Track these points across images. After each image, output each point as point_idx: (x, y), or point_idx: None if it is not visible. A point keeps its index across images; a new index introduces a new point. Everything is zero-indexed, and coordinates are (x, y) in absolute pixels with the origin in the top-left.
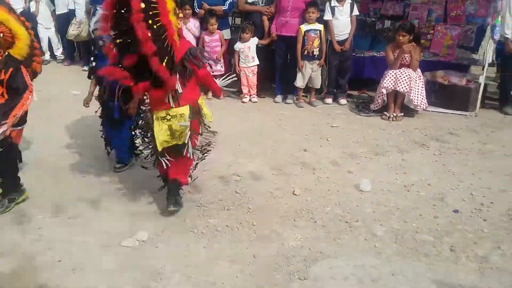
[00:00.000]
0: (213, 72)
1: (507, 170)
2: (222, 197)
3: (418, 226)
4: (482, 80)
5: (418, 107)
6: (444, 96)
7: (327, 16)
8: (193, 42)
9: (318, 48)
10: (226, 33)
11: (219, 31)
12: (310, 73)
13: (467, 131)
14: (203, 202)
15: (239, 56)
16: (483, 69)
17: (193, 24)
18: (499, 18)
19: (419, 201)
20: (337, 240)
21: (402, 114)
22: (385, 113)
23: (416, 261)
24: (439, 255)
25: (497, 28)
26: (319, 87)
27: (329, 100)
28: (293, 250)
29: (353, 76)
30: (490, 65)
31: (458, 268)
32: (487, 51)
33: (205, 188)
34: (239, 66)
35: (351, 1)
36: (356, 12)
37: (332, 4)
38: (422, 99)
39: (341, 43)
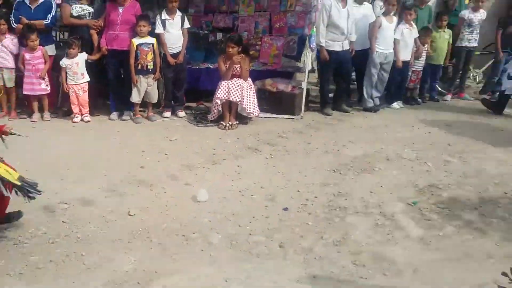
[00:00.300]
0: (36, 93)
1: (327, 165)
2: (46, 230)
3: (251, 229)
4: (304, 85)
5: (251, 115)
6: (273, 103)
7: (159, 29)
8: (11, 60)
9: (152, 62)
10: (50, 49)
11: (41, 47)
12: (146, 87)
13: (294, 133)
14: (22, 239)
15: (66, 73)
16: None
17: (10, 41)
18: (314, 29)
19: (253, 204)
20: (174, 256)
21: (237, 122)
22: (222, 122)
23: (249, 262)
24: (270, 253)
25: (313, 38)
26: (156, 101)
27: (167, 114)
28: (126, 275)
29: (190, 88)
30: (312, 71)
31: (287, 263)
32: (307, 59)
33: (26, 222)
34: (67, 84)
35: (181, 14)
36: (187, 25)
37: (163, 17)
38: (254, 106)
39: (175, 56)
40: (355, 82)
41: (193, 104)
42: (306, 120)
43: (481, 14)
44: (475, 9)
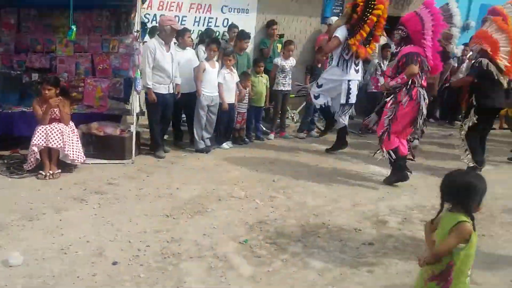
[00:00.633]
0: None
1: (160, 210)
2: None
3: None
4: (133, 128)
5: (75, 162)
6: (101, 147)
7: None
8: None
9: None
10: None
11: None
12: None
13: (125, 178)
14: None
15: None
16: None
17: None
18: (139, 71)
19: (77, 262)
20: None
21: (59, 170)
22: (41, 172)
23: None
24: None
25: (138, 81)
26: None
27: None
28: None
29: (1, 134)
30: (142, 114)
31: None
32: (134, 101)
33: None
34: None
35: None
36: None
37: None
38: (79, 152)
39: None
40: (186, 124)
41: (6, 153)
42: (137, 164)
43: (291, 62)
44: (286, 57)
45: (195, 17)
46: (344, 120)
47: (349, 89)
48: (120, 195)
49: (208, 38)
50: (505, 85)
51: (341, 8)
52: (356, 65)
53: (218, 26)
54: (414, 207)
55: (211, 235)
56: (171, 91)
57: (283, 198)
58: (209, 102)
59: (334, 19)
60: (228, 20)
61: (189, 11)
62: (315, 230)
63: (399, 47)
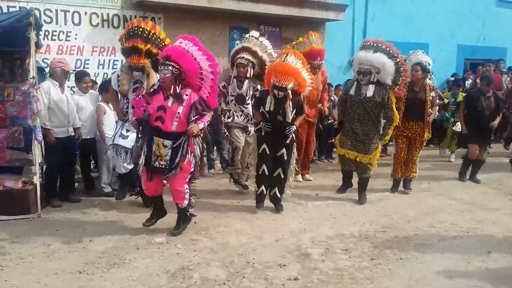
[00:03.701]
0: None
1: (72, 267)
2: None
3: None
4: (36, 180)
5: None
6: (2, 202)
7: None
8: None
9: None
10: None
11: None
12: None
13: (30, 235)
14: None
15: None
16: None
17: None
18: (38, 120)
19: None
20: None
21: None
22: None
23: None
24: None
25: (38, 129)
26: None
27: None
28: None
29: None
30: (45, 163)
31: None
32: (35, 151)
33: None
34: None
35: None
36: None
37: None
38: None
39: None
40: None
41: None
42: (44, 218)
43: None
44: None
45: (99, 60)
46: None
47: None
48: (25, 254)
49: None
50: None
51: None
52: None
53: None
54: (335, 237)
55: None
56: (71, 134)
57: (205, 240)
58: None
59: None
60: None
61: (91, 55)
62: (240, 271)
63: None
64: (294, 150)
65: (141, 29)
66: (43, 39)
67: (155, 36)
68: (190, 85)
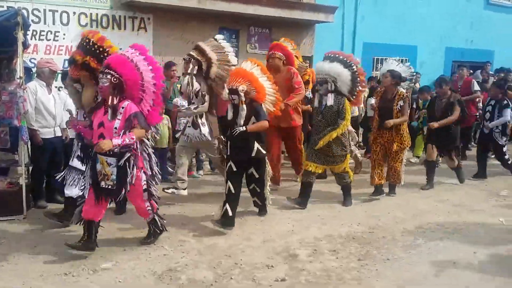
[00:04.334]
0: None
1: (57, 269)
2: None
3: None
4: (22, 181)
5: None
6: None
7: None
8: None
9: None
10: None
11: None
12: None
13: (16, 236)
14: None
15: None
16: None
17: None
18: (25, 120)
19: None
20: None
21: None
22: None
23: None
24: None
25: (24, 129)
26: None
27: None
28: None
29: None
30: (31, 164)
31: None
32: (21, 151)
33: None
34: None
35: None
36: None
37: None
38: None
39: None
40: None
41: None
42: (30, 219)
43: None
44: (184, 97)
45: None
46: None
47: None
48: (10, 255)
49: None
50: None
51: (237, 49)
52: None
53: None
54: (323, 238)
55: None
56: (58, 135)
57: (193, 241)
58: None
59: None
60: None
61: None
62: (227, 272)
63: None
64: (266, 166)
65: (86, 41)
66: (31, 39)
67: (100, 49)
68: (131, 97)
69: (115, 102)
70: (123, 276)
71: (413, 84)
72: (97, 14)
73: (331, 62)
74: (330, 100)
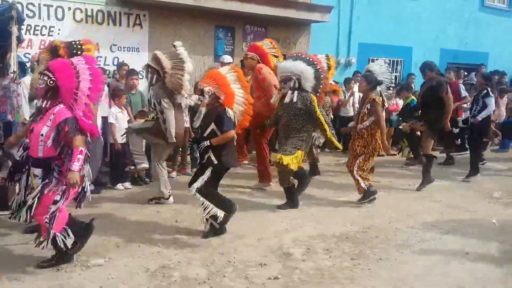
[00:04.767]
0: None
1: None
2: None
3: None
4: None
5: None
6: None
7: None
8: None
9: None
10: None
11: None
12: None
13: (8, 232)
14: None
15: None
16: None
17: None
18: (18, 115)
19: None
20: None
21: None
22: None
23: None
24: None
25: (18, 125)
26: None
27: None
28: None
29: None
30: None
31: None
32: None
33: None
34: None
35: None
36: None
37: None
38: None
39: None
40: None
41: None
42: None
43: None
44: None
45: None
46: None
47: None
48: (3, 250)
49: None
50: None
51: (232, 47)
52: None
53: (108, 65)
54: (317, 237)
55: (109, 287)
56: None
57: (186, 238)
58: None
59: (226, 57)
60: (118, 58)
61: None
62: (221, 270)
63: None
64: (207, 174)
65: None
66: (25, 34)
67: (76, 43)
68: (65, 103)
69: (47, 105)
70: (116, 272)
71: (390, 90)
72: (92, 10)
73: (295, 61)
74: (294, 97)
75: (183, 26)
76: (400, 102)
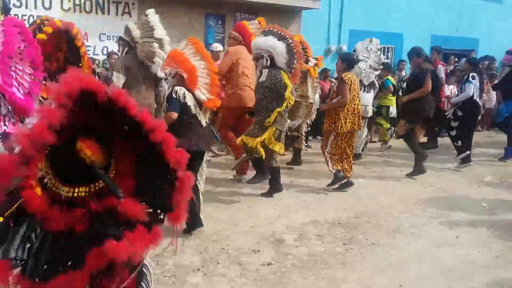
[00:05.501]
0: None
1: None
2: None
3: None
4: None
5: None
6: None
7: None
8: None
9: None
10: None
11: None
12: None
13: None
14: None
15: None
16: None
17: None
18: None
19: None
20: None
21: None
22: None
23: None
24: None
25: None
26: None
27: None
28: None
29: None
30: None
31: None
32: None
33: None
34: None
35: None
36: None
37: None
38: None
39: None
40: None
41: None
42: None
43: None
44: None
45: None
46: None
47: None
48: None
49: None
50: (203, 122)
51: (223, 35)
52: None
53: (97, 54)
54: (309, 223)
55: None
56: None
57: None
58: None
59: (217, 45)
60: (107, 48)
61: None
62: (214, 257)
63: None
64: None
65: None
66: None
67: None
68: None
69: None
70: None
71: (377, 71)
72: None
73: (265, 36)
74: (264, 75)
75: (173, 14)
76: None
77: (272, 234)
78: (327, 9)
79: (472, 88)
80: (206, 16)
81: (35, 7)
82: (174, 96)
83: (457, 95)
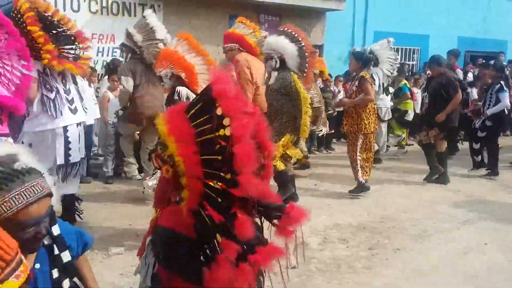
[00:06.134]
0: None
1: None
2: None
3: None
4: None
5: None
6: None
7: None
8: None
9: None
10: None
11: None
12: None
13: None
14: None
15: None
16: None
17: None
18: None
19: None
20: None
21: None
22: None
23: None
24: None
25: None
26: None
27: None
28: None
29: None
30: None
31: None
32: None
33: None
34: None
35: None
36: None
37: None
38: None
39: None
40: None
41: None
42: None
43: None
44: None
45: (98, 47)
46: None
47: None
48: None
49: (113, 69)
50: None
51: None
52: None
53: None
54: (332, 227)
55: (127, 274)
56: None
57: None
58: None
59: None
60: None
61: (90, 42)
62: None
63: None
64: None
65: None
66: None
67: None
68: None
69: None
70: (135, 260)
71: (393, 71)
72: (107, 1)
73: (278, 36)
74: (273, 78)
75: (197, 16)
76: (416, 91)
77: (295, 237)
78: (351, 10)
79: (507, 98)
80: (230, 18)
81: (64, 9)
82: (176, 98)
83: (486, 107)
